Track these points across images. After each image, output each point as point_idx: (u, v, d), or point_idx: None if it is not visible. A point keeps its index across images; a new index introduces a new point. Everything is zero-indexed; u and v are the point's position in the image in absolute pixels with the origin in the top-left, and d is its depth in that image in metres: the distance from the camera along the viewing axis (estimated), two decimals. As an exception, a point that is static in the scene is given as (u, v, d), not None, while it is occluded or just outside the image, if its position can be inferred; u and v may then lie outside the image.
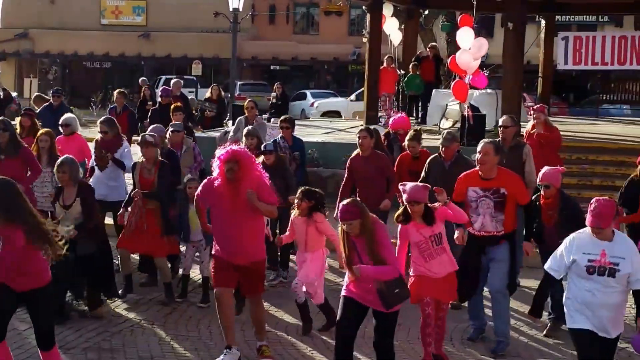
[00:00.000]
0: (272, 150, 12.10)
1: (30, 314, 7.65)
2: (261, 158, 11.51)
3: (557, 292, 9.56)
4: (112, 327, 10.09)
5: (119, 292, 11.02)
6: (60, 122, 14.02)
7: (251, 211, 8.84)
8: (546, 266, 7.79)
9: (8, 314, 7.62)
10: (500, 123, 12.24)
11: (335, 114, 37.87)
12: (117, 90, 19.84)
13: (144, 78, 30.77)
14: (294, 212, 10.10)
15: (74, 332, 9.78)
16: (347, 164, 12.45)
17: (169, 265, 11.66)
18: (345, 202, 8.01)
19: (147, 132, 12.12)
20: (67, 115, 14.57)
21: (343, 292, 8.18)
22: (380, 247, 7.83)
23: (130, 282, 11.36)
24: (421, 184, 9.17)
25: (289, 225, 10.14)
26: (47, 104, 17.90)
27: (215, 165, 8.88)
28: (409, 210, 8.75)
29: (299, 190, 10.02)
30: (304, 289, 9.92)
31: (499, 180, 9.45)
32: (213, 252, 9.22)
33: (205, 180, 9.28)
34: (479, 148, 9.46)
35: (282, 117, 14.35)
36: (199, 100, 23.83)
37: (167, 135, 12.86)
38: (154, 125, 13.17)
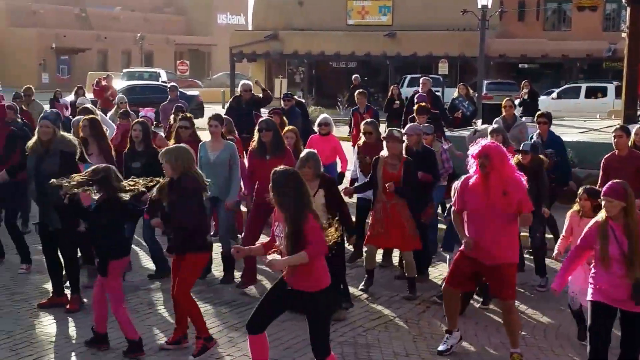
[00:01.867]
0: (529, 150, 11.62)
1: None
2: (516, 158, 11.12)
3: None
4: (366, 322, 10.08)
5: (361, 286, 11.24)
6: (318, 122, 14.51)
7: (505, 209, 8.52)
8: None
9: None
10: None
11: None
12: (358, 90, 19.89)
13: (357, 75, 31.88)
14: (572, 211, 9.48)
15: (331, 326, 9.76)
16: (602, 164, 11.91)
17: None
18: (616, 180, 7.68)
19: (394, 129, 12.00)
20: (325, 115, 14.95)
21: (590, 296, 7.68)
22: None
23: (371, 277, 11.44)
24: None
25: (567, 226, 9.46)
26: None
27: (471, 162, 8.65)
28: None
29: (583, 189, 9.47)
30: None
31: None
32: (460, 249, 8.93)
33: (460, 180, 9.04)
34: None
35: (539, 112, 13.92)
36: (458, 97, 23.30)
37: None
38: (412, 124, 12.86)
